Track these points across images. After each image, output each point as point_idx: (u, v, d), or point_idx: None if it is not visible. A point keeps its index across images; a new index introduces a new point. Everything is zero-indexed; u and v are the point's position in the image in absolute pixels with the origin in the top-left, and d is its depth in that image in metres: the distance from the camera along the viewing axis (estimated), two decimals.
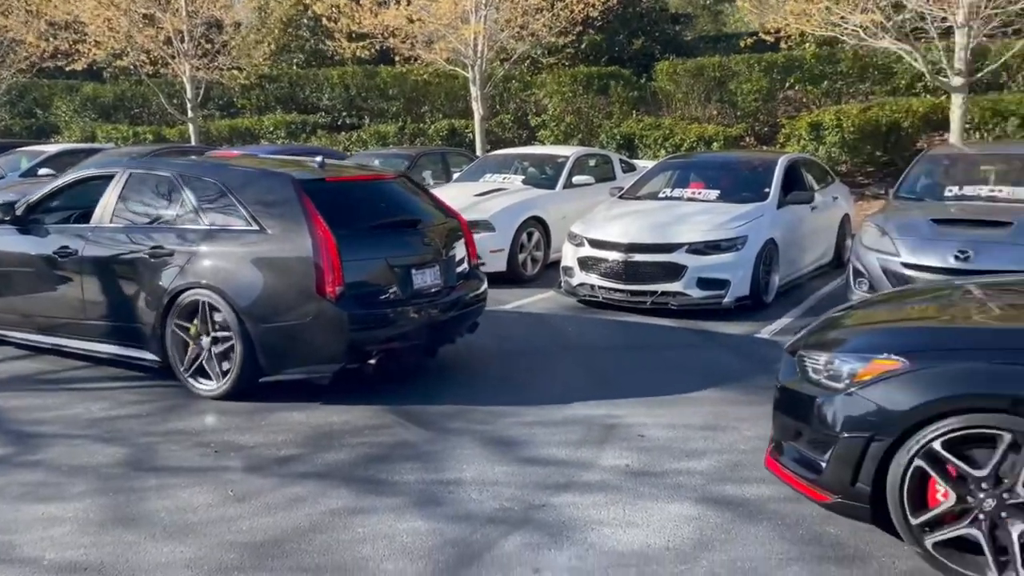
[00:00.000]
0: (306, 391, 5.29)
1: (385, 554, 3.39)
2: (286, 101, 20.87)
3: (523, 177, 10.48)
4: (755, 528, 3.58)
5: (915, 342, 3.31)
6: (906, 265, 6.50)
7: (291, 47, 22.69)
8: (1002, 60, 12.07)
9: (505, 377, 5.86)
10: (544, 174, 10.50)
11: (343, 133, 18.93)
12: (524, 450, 4.50)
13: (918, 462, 3.06)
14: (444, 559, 3.34)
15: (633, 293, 7.60)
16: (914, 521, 3.08)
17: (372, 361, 5.20)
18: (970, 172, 7.92)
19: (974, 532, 3.00)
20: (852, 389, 3.22)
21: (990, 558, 2.96)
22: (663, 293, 7.48)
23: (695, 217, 7.90)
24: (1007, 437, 2.91)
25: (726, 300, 7.41)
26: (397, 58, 16.15)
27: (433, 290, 5.53)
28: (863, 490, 3.16)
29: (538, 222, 9.43)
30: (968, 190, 7.47)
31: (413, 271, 5.40)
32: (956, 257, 6.26)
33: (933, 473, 3.05)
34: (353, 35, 15.62)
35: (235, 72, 17.99)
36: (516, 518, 3.69)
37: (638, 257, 7.55)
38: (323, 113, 20.13)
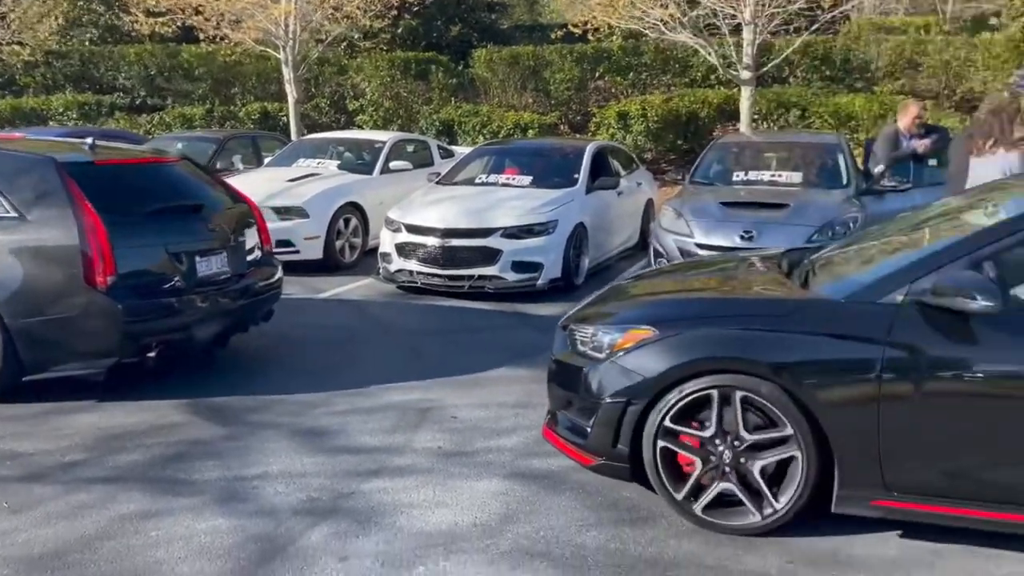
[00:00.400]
0: (98, 390, 4.93)
1: (181, 556, 3.23)
2: (78, 80, 19.14)
3: (339, 162, 10.26)
4: (558, 498, 3.72)
5: (664, 312, 3.65)
6: (699, 245, 6.99)
7: (82, 21, 20.80)
8: (784, 55, 13.17)
9: (318, 366, 5.72)
10: (361, 159, 10.33)
11: (144, 115, 17.64)
12: (335, 439, 4.42)
13: (662, 443, 3.37)
14: (245, 556, 3.23)
15: (451, 278, 7.67)
16: (679, 496, 3.39)
17: (152, 354, 4.94)
18: (755, 159, 8.63)
19: (727, 486, 3.34)
20: (612, 358, 3.48)
21: (748, 502, 3.31)
22: (480, 277, 7.60)
23: (509, 202, 8.06)
24: (715, 394, 3.27)
25: (539, 282, 7.64)
26: (202, 37, 15.26)
27: (221, 278, 5.32)
28: (623, 451, 3.45)
29: (355, 208, 9.27)
30: (753, 175, 8.15)
31: (197, 258, 5.17)
32: (742, 237, 6.82)
33: (676, 449, 3.37)
34: (151, 10, 14.57)
35: (16, 47, 16.28)
36: (324, 508, 3.63)
37: (455, 242, 7.62)
38: (121, 93, 18.66)
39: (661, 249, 7.39)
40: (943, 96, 14.55)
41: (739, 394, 3.24)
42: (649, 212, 10.31)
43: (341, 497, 3.73)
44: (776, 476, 3.29)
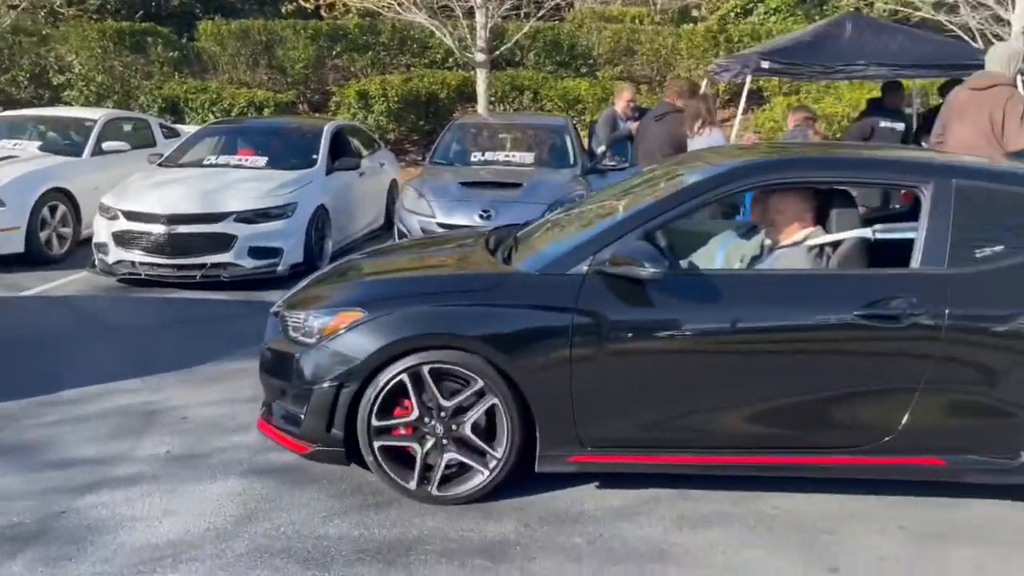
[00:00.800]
0: None
1: None
2: None
3: (40, 143, 9.12)
4: (301, 492, 3.60)
5: (372, 293, 3.67)
6: (441, 225, 7.10)
7: None
8: (515, 39, 13.68)
9: (20, 373, 5.04)
10: (68, 140, 9.26)
11: None
12: (42, 454, 3.94)
13: (378, 443, 3.41)
14: None
15: (180, 267, 7.13)
16: (412, 486, 3.43)
17: None
18: (491, 139, 8.93)
19: (452, 457, 3.45)
20: (323, 342, 3.45)
21: (473, 463, 3.44)
22: (213, 265, 7.13)
23: (243, 185, 7.65)
24: (406, 377, 3.35)
25: (280, 268, 7.33)
26: None
27: None
28: (337, 436, 3.43)
29: (63, 194, 8.29)
30: (489, 155, 8.43)
31: None
32: (481, 216, 7.02)
33: (394, 443, 3.44)
34: None
35: None
36: (28, 533, 3.22)
37: (183, 229, 7.08)
38: None
39: (405, 229, 7.42)
40: (655, 81, 15.92)
41: (426, 368, 3.33)
42: (393, 193, 10.26)
43: (50, 518, 3.33)
44: (489, 432, 3.42)
